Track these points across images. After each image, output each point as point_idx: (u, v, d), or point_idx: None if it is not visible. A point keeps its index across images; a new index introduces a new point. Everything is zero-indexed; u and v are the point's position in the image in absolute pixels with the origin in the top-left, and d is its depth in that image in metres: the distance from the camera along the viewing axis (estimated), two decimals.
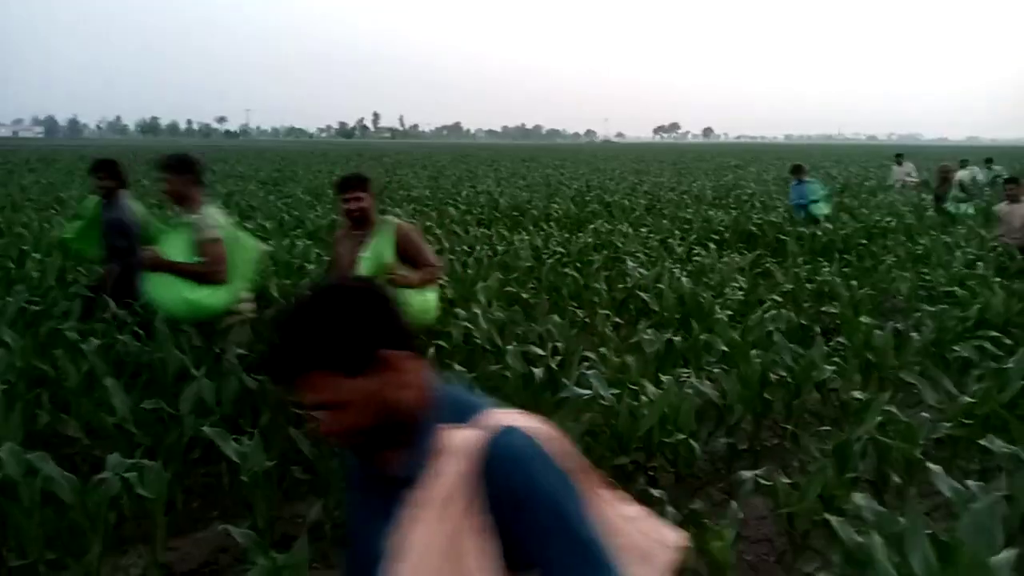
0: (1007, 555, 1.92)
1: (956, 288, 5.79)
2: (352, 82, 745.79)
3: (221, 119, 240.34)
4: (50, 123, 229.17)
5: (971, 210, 10.79)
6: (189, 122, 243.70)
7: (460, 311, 4.93)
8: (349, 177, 3.89)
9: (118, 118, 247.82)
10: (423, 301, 3.79)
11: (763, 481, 2.73)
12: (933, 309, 5.20)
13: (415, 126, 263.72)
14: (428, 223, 9.54)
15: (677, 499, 3.31)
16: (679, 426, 3.33)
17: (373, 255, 3.63)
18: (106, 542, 2.62)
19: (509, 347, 3.85)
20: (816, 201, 9.96)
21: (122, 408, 3.33)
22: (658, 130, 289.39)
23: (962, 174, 15.76)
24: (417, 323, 3.60)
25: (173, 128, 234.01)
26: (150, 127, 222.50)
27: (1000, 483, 2.65)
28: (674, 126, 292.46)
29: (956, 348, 4.38)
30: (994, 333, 4.58)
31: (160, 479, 2.68)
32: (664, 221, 10.67)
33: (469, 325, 4.46)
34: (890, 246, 8.23)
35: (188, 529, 3.21)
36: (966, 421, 3.37)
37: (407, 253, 3.75)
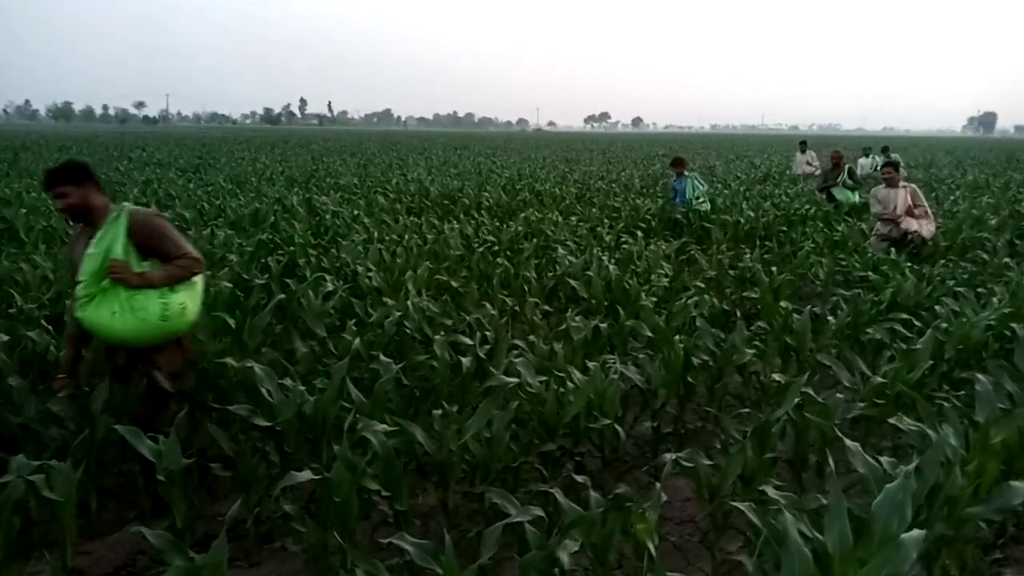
0: (917, 533, 2.00)
1: (870, 273, 6.04)
2: (278, 67, 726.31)
3: (139, 104, 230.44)
4: None
5: (857, 198, 10.74)
6: (105, 107, 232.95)
7: (389, 300, 4.88)
8: (51, 171, 3.15)
9: (27, 102, 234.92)
10: (172, 302, 3.10)
11: (685, 463, 2.78)
12: (848, 293, 5.41)
13: (344, 113, 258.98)
14: (356, 212, 9.39)
15: (604, 483, 3.37)
16: (605, 411, 3.36)
17: (99, 250, 3.03)
18: (10, 548, 2.49)
19: (437, 337, 3.81)
20: (699, 198, 9.67)
21: (29, 408, 3.17)
22: (589, 119, 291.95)
23: (862, 162, 15.84)
24: (171, 327, 3.10)
25: (88, 114, 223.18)
26: (62, 112, 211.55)
27: (911, 460, 2.77)
28: (604, 115, 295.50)
29: (869, 331, 4.56)
30: (905, 316, 4.79)
31: (68, 481, 2.55)
32: (593, 210, 10.77)
33: (398, 314, 4.41)
34: (809, 232, 8.51)
35: (104, 532, 3.08)
36: (878, 401, 3.52)
37: (148, 245, 3.11)
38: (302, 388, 3.20)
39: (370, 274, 5.49)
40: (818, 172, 15.52)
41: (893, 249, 7.07)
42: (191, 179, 15.56)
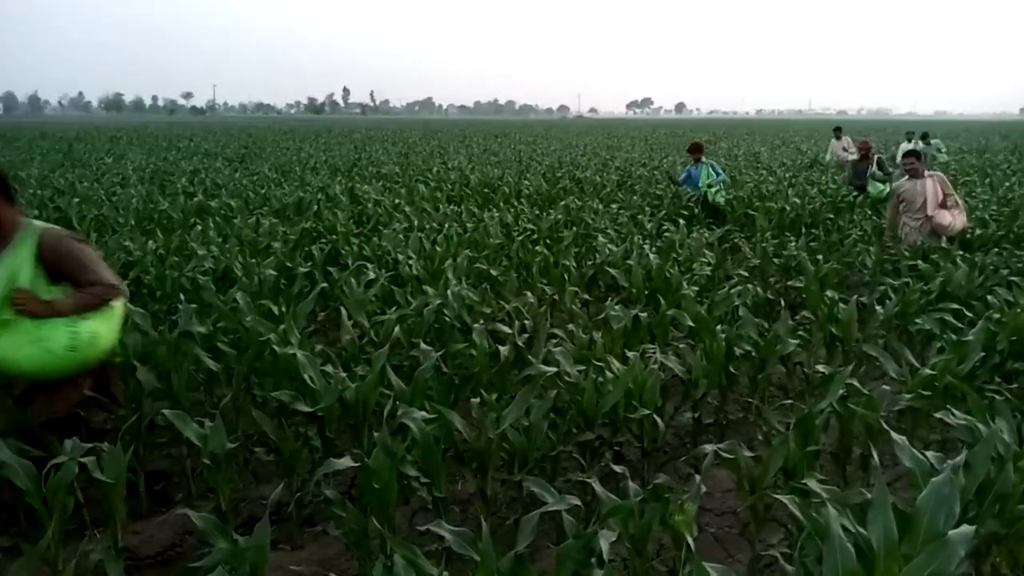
0: (966, 530, 1.94)
1: (919, 262, 5.87)
2: (322, 57, 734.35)
3: (187, 95, 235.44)
4: (8, 99, 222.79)
5: (888, 188, 9.89)
6: (154, 98, 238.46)
7: (429, 289, 4.91)
8: None
9: (80, 94, 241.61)
10: (82, 331, 2.90)
11: (725, 454, 2.75)
12: (896, 283, 5.28)
13: (386, 101, 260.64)
14: (398, 200, 9.45)
15: (644, 473, 3.35)
16: (644, 401, 3.34)
17: (3, 273, 2.80)
18: (65, 527, 2.58)
19: (476, 325, 3.81)
20: (712, 186, 9.34)
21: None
22: (631, 105, 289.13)
23: (904, 146, 14.79)
24: (80, 358, 2.93)
25: (138, 104, 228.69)
26: (114, 103, 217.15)
27: (959, 455, 2.70)
28: (647, 101, 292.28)
29: (918, 321, 4.44)
30: (955, 306, 4.65)
31: (118, 463, 2.63)
32: (635, 197, 10.67)
33: (438, 303, 4.43)
34: (856, 220, 8.31)
35: (153, 513, 3.18)
36: (926, 393, 3.43)
37: (60, 269, 2.88)
38: (344, 375, 3.24)
39: (410, 262, 5.52)
40: (852, 157, 14.79)
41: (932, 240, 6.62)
42: (237, 168, 15.84)
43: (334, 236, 6.86)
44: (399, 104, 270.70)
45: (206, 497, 3.19)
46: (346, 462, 2.56)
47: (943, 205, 6.79)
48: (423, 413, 2.82)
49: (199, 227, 7.27)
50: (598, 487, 2.42)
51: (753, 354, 3.98)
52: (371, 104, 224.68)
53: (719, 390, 3.85)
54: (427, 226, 7.48)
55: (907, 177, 6.95)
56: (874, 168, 10.30)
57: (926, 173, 6.92)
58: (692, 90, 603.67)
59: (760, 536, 2.86)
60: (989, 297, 4.76)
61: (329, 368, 3.31)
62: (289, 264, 5.54)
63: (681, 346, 4.00)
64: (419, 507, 2.99)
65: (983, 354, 3.79)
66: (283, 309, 4.30)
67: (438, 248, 6.22)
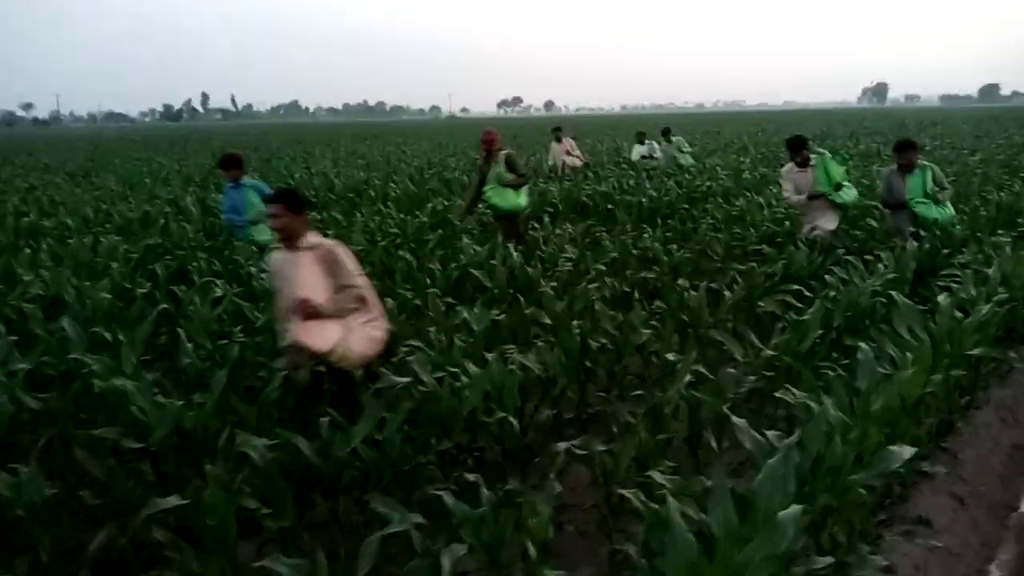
0: (794, 510, 2.01)
1: (764, 246, 6.18)
2: (178, 60, 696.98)
3: (27, 105, 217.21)
4: None
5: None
6: None
7: None
8: None
9: None
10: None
11: (578, 451, 2.75)
12: (743, 267, 5.52)
13: (249, 106, 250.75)
14: None
15: (505, 476, 3.32)
16: (504, 403, 3.32)
17: None
18: None
19: None
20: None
21: None
22: (502, 104, 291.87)
23: (639, 149, 14.39)
24: None
25: None
26: None
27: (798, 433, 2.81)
28: (517, 100, 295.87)
29: (761, 304, 4.65)
30: (796, 287, 4.91)
31: None
32: None
33: None
34: (709, 209, 8.68)
35: None
36: (768, 374, 3.58)
37: None
38: (179, 403, 3.02)
39: (263, 276, 5.26)
40: (577, 163, 13.88)
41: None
42: (79, 183, 14.71)
43: (181, 251, 6.45)
44: (263, 108, 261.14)
45: (27, 550, 2.88)
46: (173, 500, 2.36)
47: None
48: (263, 439, 2.66)
49: (29, 250, 6.65)
50: (448, 499, 2.36)
51: (609, 346, 4.04)
52: (233, 109, 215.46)
53: (578, 385, 3.88)
54: None
55: (795, 165, 6.56)
56: (502, 168, 6.96)
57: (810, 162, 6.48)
58: (561, 88, 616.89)
59: (621, 527, 2.90)
60: (827, 277, 5.06)
61: (160, 398, 3.07)
62: (128, 285, 5.15)
63: (540, 344, 4.01)
64: (268, 538, 2.82)
65: (821, 331, 4.01)
66: (118, 336, 3.98)
67: None
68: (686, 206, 9.05)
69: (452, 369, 3.38)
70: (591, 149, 23.05)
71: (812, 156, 6.53)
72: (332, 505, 2.76)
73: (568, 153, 13.85)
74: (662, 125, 15.61)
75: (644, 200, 9.24)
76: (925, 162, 6.27)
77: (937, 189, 6.14)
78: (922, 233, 6.01)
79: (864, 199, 7.99)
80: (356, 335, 3.49)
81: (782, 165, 7.26)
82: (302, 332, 3.37)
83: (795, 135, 6.89)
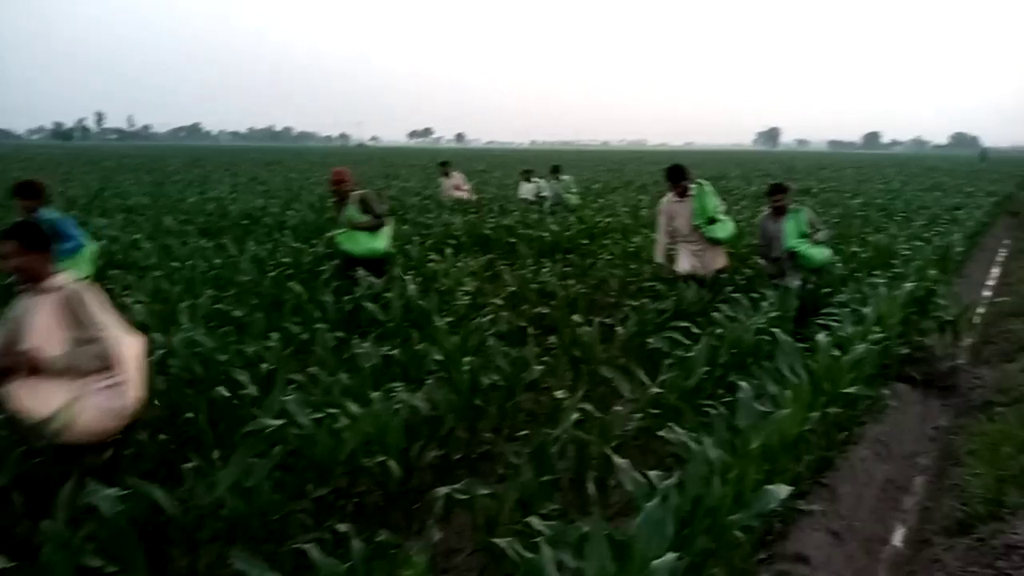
0: (668, 559, 1.98)
1: (656, 283, 6.29)
2: (71, 77, 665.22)
3: None
4: None
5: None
6: None
7: (157, 336, 4.40)
8: None
9: None
10: None
11: (459, 495, 2.65)
12: (636, 303, 5.59)
13: (147, 127, 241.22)
14: (137, 235, 8.58)
15: (388, 522, 3.18)
16: (388, 444, 3.19)
17: None
18: None
19: (198, 372, 3.43)
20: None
21: None
22: (413, 134, 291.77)
23: (526, 187, 14.07)
24: None
25: None
26: None
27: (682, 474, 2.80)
28: (428, 131, 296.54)
29: (650, 340, 4.70)
30: (685, 324, 4.99)
31: None
32: (405, 226, 10.57)
33: (161, 352, 3.97)
34: (608, 244, 8.82)
35: None
36: (654, 411, 3.59)
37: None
38: (21, 449, 2.74)
39: (138, 306, 4.95)
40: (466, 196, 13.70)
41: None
42: None
43: None
44: (162, 130, 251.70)
45: None
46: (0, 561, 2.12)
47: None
48: (114, 490, 2.43)
49: None
50: (314, 553, 2.21)
51: (501, 383, 3.98)
52: (130, 129, 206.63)
53: (467, 424, 3.79)
54: (167, 264, 6.80)
55: (674, 195, 6.21)
56: (354, 210, 6.37)
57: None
58: (473, 120, 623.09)
59: (505, 572, 2.80)
60: (714, 314, 5.17)
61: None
62: None
63: (429, 381, 3.90)
64: None
65: (707, 368, 4.08)
66: None
67: (176, 287, 5.66)
68: (586, 241, 9.17)
69: (331, 410, 3.22)
70: (499, 183, 23.24)
71: (691, 187, 6.20)
72: (192, 560, 2.55)
73: (457, 188, 13.73)
74: (570, 161, 15.88)
75: (546, 235, 9.31)
76: (797, 205, 6.36)
77: (812, 231, 6.19)
78: (802, 276, 6.06)
79: (747, 239, 8.21)
80: (89, 401, 2.84)
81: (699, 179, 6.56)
82: (19, 391, 2.78)
83: (674, 164, 6.35)
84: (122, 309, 5.05)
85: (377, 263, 6.41)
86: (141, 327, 4.64)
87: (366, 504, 3.23)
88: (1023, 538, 3.14)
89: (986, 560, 3.06)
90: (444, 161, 14.58)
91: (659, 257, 6.40)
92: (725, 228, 6.24)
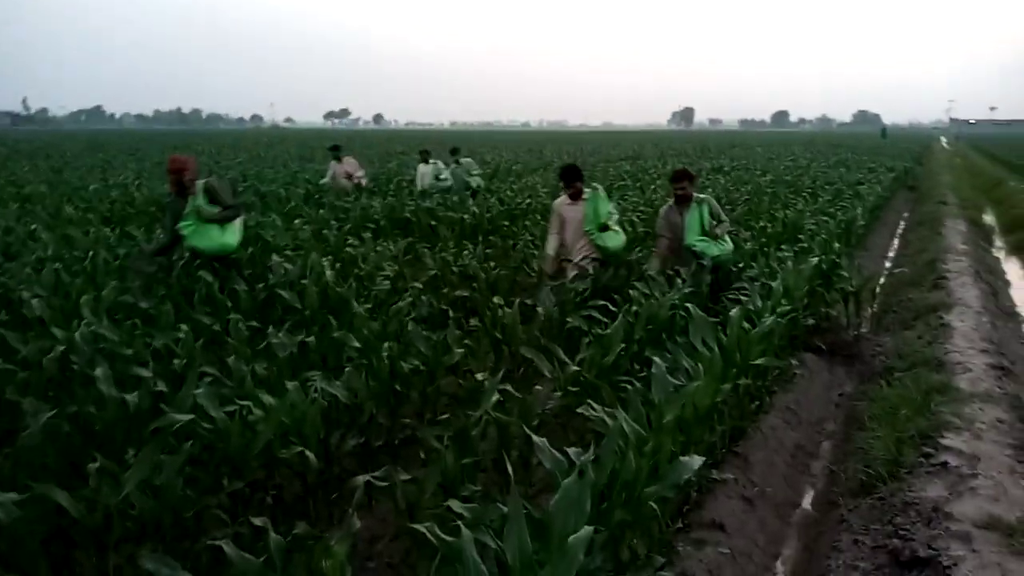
0: (584, 533, 2.02)
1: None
2: None
3: None
4: None
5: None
6: None
7: (57, 331, 4.18)
8: None
9: None
10: None
11: (379, 482, 2.63)
12: (556, 283, 5.64)
13: (44, 110, 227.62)
14: (34, 226, 8.11)
15: (308, 513, 3.13)
16: (305, 435, 3.13)
17: None
18: None
19: (98, 371, 3.27)
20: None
21: None
22: (329, 116, 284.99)
23: (423, 169, 13.23)
24: None
25: None
26: None
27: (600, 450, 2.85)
28: (345, 111, 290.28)
29: (569, 320, 4.76)
30: (603, 302, 5.07)
31: None
32: (321, 211, 10.34)
33: (61, 348, 3.77)
34: (529, 226, 8.86)
35: None
36: (574, 389, 3.65)
37: None
38: None
39: (35, 300, 4.68)
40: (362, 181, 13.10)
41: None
42: None
43: None
44: (61, 113, 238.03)
45: None
46: None
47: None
48: (11, 495, 2.30)
49: None
50: (228, 548, 2.15)
51: (422, 368, 3.95)
52: (24, 112, 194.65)
53: (388, 410, 3.76)
54: (67, 255, 6.46)
55: (568, 197, 6.10)
56: (201, 201, 5.74)
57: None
58: (391, 102, 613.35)
59: (428, 556, 2.80)
60: (631, 291, 5.27)
61: None
62: None
63: (348, 368, 3.84)
64: None
65: (623, 345, 4.15)
66: None
67: (77, 280, 5.38)
68: (507, 223, 9.19)
69: (243, 402, 3.13)
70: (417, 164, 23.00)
71: (586, 190, 5.99)
72: (99, 563, 2.45)
73: (348, 176, 12.89)
74: (487, 143, 15.82)
75: (467, 217, 9.28)
76: (702, 195, 6.05)
77: (715, 223, 5.88)
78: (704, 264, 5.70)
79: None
80: None
81: (595, 183, 6.68)
82: None
83: (569, 164, 6.10)
84: (18, 304, 4.80)
85: (229, 260, 5.98)
86: (40, 322, 4.42)
87: (285, 496, 3.18)
88: (919, 495, 3.35)
89: (887, 518, 3.25)
90: (335, 145, 13.64)
91: (547, 267, 6.06)
92: (616, 239, 5.97)
